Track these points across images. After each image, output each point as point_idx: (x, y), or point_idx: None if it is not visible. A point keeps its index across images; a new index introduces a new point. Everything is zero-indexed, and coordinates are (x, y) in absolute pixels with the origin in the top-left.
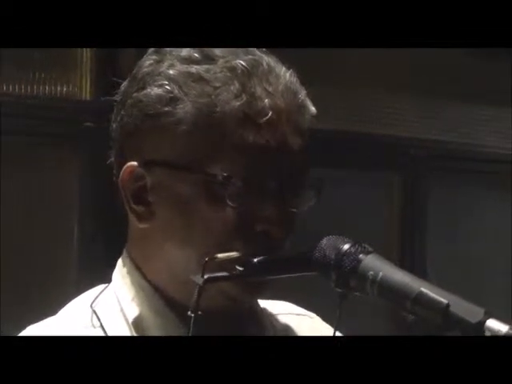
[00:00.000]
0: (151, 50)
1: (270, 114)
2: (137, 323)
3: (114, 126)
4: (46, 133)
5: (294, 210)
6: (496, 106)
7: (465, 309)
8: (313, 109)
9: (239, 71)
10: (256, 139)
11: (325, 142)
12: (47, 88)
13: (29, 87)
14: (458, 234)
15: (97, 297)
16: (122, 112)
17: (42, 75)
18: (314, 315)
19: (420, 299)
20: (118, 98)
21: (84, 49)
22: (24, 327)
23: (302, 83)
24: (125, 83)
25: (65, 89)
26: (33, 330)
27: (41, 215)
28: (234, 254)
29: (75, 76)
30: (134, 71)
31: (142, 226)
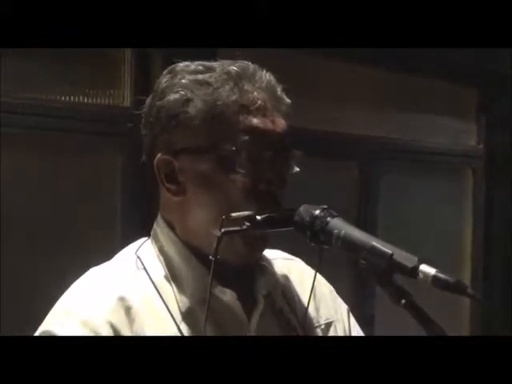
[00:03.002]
0: (166, 70)
1: (258, 103)
2: (169, 265)
3: (145, 131)
4: (97, 132)
5: (286, 173)
6: (436, 114)
7: (404, 257)
8: (288, 100)
9: (233, 73)
10: (251, 121)
11: (303, 138)
12: (97, 99)
13: (83, 98)
14: (402, 208)
15: (140, 246)
16: (151, 119)
17: (93, 90)
18: (298, 259)
19: (371, 250)
20: (145, 109)
21: (125, 69)
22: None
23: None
24: (149, 98)
25: (111, 100)
26: (95, 271)
27: (94, 196)
28: (243, 213)
29: (119, 90)
30: (155, 87)
31: (175, 198)
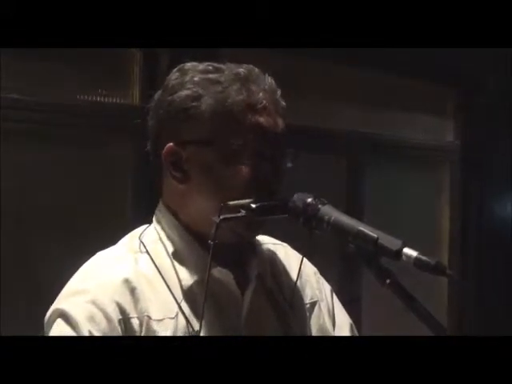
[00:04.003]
0: (175, 69)
1: (263, 103)
2: (170, 248)
3: (151, 122)
4: (109, 127)
5: (282, 167)
6: (418, 112)
7: (388, 240)
8: (284, 103)
9: (241, 75)
10: (256, 119)
11: (297, 133)
12: (110, 98)
13: (97, 98)
14: (387, 197)
15: (143, 231)
16: (160, 111)
17: (106, 90)
18: (286, 244)
19: (359, 234)
20: (152, 104)
21: (135, 71)
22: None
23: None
24: (157, 93)
25: (122, 99)
26: (101, 254)
27: (108, 184)
28: (240, 201)
29: (128, 90)
30: (165, 84)
31: (180, 186)
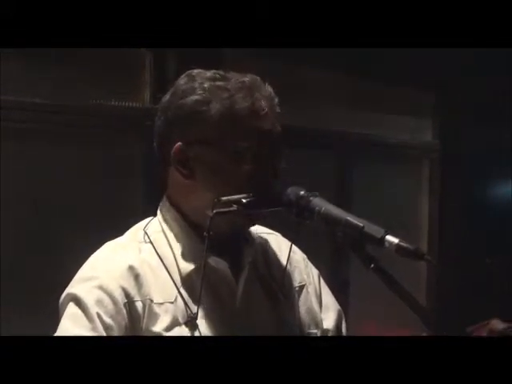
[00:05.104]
0: (183, 75)
1: (266, 110)
2: (172, 239)
3: (159, 122)
4: (121, 128)
5: (279, 167)
6: (400, 113)
7: (373, 229)
8: (279, 110)
9: (246, 83)
10: (259, 124)
11: (290, 133)
12: (124, 102)
13: (111, 102)
14: (372, 191)
15: (147, 223)
16: (169, 113)
17: (118, 94)
18: (278, 233)
19: (346, 223)
20: (160, 106)
21: (145, 76)
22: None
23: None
24: (166, 97)
25: (134, 102)
26: (109, 244)
27: (120, 181)
28: (232, 197)
29: (140, 93)
30: (173, 89)
31: (185, 181)
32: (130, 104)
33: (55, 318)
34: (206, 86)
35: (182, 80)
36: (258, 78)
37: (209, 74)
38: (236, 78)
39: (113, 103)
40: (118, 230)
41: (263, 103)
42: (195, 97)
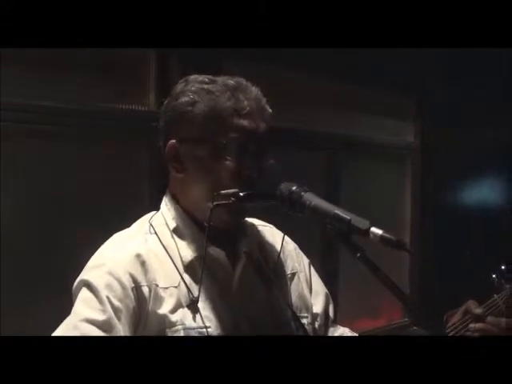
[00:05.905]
0: (181, 80)
1: (248, 109)
2: (174, 230)
3: (161, 124)
4: (128, 130)
5: (264, 163)
6: (384, 116)
7: (359, 221)
8: (270, 110)
9: (230, 86)
10: (241, 122)
11: (281, 134)
12: (130, 106)
13: (119, 105)
14: (358, 187)
15: (152, 216)
16: (167, 114)
17: (124, 97)
18: (272, 226)
19: (334, 216)
20: (163, 108)
21: (149, 81)
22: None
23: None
24: (167, 100)
25: (139, 106)
26: (118, 235)
27: (127, 178)
28: (230, 190)
29: (145, 97)
30: (172, 92)
31: (178, 175)
32: (136, 107)
33: (55, 318)
34: (193, 88)
35: (179, 84)
36: (244, 80)
37: (200, 78)
38: (222, 81)
39: (121, 107)
40: (126, 225)
41: (246, 103)
42: (185, 98)
